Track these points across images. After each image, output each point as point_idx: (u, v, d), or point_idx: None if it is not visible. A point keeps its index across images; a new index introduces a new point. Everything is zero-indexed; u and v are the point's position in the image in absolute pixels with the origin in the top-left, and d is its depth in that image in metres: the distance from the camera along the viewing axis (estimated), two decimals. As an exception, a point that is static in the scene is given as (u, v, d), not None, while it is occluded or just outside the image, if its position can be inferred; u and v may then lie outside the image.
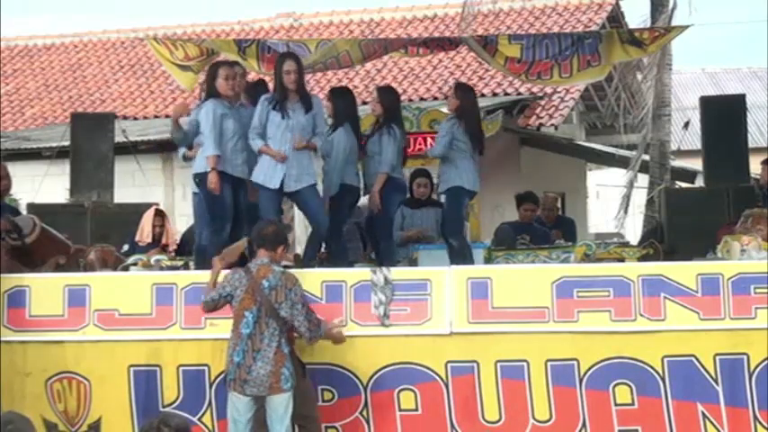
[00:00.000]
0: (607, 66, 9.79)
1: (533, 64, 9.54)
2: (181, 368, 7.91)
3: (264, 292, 7.20)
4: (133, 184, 15.15)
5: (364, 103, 16.75)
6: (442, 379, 7.69)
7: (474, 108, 9.26)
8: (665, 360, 7.53)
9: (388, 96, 9.19)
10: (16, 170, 9.05)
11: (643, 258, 9.02)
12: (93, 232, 11.81)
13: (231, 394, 7.27)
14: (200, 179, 8.36)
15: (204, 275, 7.84)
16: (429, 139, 10.75)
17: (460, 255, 8.71)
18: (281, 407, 7.23)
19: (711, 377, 7.49)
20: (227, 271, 7.53)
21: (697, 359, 7.50)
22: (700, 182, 15.49)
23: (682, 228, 11.06)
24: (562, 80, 9.74)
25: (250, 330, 7.20)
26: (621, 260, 8.99)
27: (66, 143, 13.33)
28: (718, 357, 7.50)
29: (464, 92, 9.34)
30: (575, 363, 7.60)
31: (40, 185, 13.63)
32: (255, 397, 7.23)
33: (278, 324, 7.20)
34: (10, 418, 5.02)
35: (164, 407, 7.83)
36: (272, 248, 7.38)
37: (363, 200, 9.43)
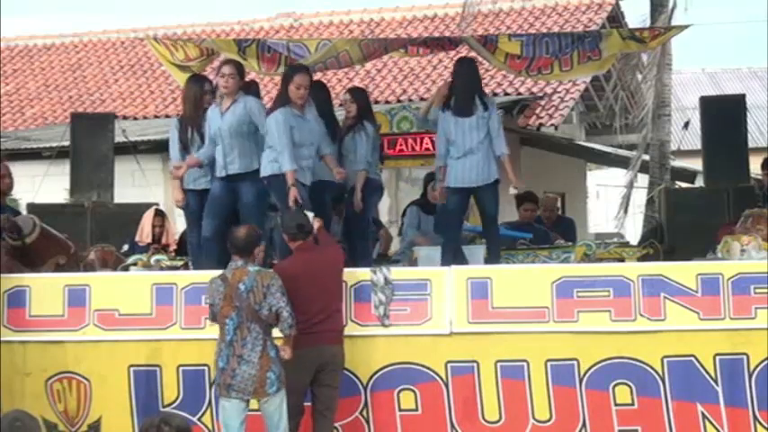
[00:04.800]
0: (608, 59, 9.77)
1: (533, 60, 9.53)
2: (181, 368, 7.91)
3: (243, 296, 7.15)
4: (133, 184, 15.14)
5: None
6: (441, 379, 7.69)
7: None
8: (665, 360, 7.53)
9: (360, 96, 9.22)
10: (16, 170, 9.04)
11: (643, 258, 9.03)
12: (93, 232, 11.81)
13: (220, 399, 7.24)
14: (268, 182, 8.29)
15: (203, 275, 7.86)
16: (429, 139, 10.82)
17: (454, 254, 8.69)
18: (275, 413, 7.22)
19: (711, 377, 7.49)
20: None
21: (697, 359, 7.50)
22: (700, 182, 15.48)
23: (682, 228, 11.04)
24: (562, 74, 9.72)
25: (231, 337, 7.16)
26: (621, 260, 9.00)
27: (66, 143, 13.31)
28: (717, 357, 7.50)
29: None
30: (575, 363, 7.60)
31: (39, 185, 13.61)
32: (244, 401, 7.18)
33: (261, 327, 7.16)
34: (17, 416, 5.04)
35: (164, 407, 7.83)
36: (246, 254, 7.33)
37: None
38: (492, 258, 8.74)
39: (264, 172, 8.30)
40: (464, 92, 8.75)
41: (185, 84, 9.09)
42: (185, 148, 8.68)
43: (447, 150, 8.69)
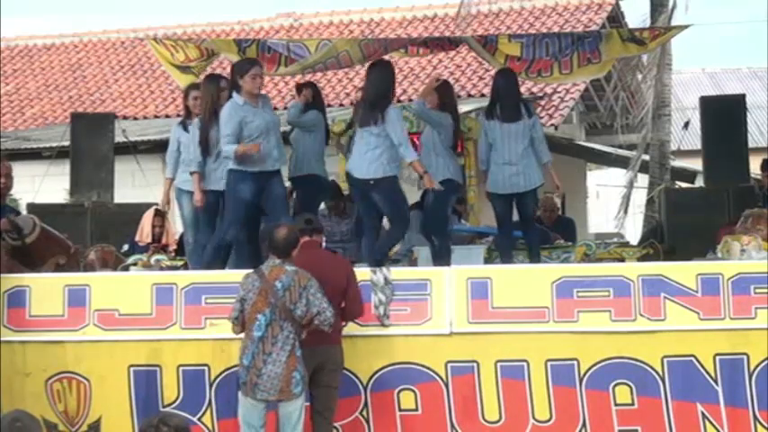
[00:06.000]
0: (608, 62, 9.81)
1: (533, 62, 9.56)
2: (181, 368, 7.90)
3: (278, 293, 7.10)
4: (133, 184, 15.14)
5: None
6: (441, 379, 7.69)
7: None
8: (665, 360, 7.53)
9: None
10: (16, 170, 9.02)
11: (643, 258, 9.03)
12: (93, 232, 11.83)
13: (244, 399, 7.17)
14: (375, 182, 8.30)
15: (203, 275, 7.87)
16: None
17: (439, 255, 8.64)
18: (294, 414, 7.15)
19: (711, 377, 7.49)
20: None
21: (697, 359, 7.50)
22: (700, 182, 15.50)
23: (682, 228, 11.06)
24: (562, 76, 9.75)
25: (261, 333, 7.09)
26: (621, 260, 9.01)
27: (67, 143, 13.34)
28: (717, 357, 7.50)
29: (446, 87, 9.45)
30: (575, 363, 7.60)
31: (40, 185, 13.62)
32: (268, 402, 7.14)
33: (293, 326, 7.10)
34: (18, 416, 5.03)
35: (164, 407, 7.82)
36: (284, 254, 7.27)
37: None
38: (534, 257, 9.00)
39: (384, 173, 8.28)
40: (509, 99, 8.98)
41: (202, 84, 9.05)
42: (206, 150, 8.59)
43: (488, 156, 8.95)
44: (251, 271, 7.33)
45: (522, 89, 17.26)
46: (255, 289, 7.16)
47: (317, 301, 7.11)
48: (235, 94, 8.38)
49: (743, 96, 12.46)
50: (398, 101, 17.38)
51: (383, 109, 8.25)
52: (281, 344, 7.08)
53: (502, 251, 9.09)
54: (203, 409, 7.85)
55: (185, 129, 8.93)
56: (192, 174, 8.66)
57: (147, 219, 10.41)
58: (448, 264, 8.27)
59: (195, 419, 7.75)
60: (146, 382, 7.91)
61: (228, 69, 9.07)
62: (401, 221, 8.40)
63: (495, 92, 9.15)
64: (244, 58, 8.95)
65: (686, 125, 15.37)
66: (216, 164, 8.58)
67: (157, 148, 16.00)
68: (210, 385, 7.83)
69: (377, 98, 8.34)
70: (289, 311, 7.08)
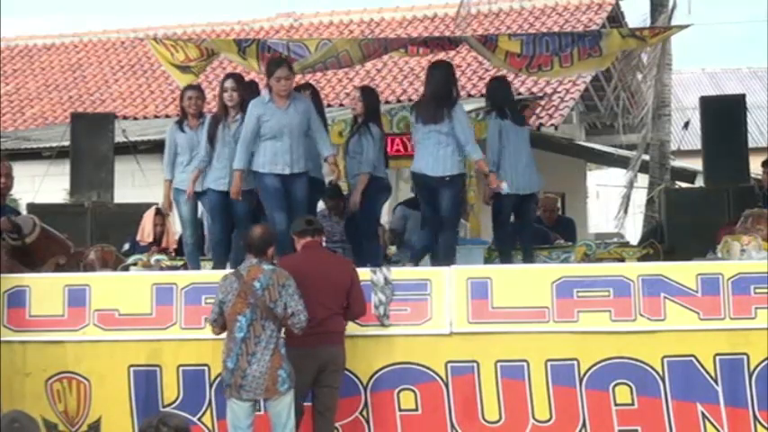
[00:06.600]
0: (608, 57, 9.81)
1: (534, 58, 9.55)
2: (181, 368, 7.91)
3: (258, 293, 7.13)
4: (133, 184, 15.12)
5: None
6: (441, 379, 7.69)
7: None
8: (665, 360, 7.53)
9: (369, 96, 9.24)
10: (16, 170, 9.05)
11: (643, 258, 9.04)
12: (93, 232, 11.81)
13: (229, 401, 7.20)
14: (451, 179, 8.43)
15: (203, 275, 7.85)
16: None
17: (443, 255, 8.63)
18: (283, 412, 7.16)
19: (711, 377, 7.50)
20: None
21: (697, 359, 7.51)
22: (700, 182, 15.49)
23: (682, 228, 11.05)
24: (563, 70, 9.74)
25: (244, 334, 7.12)
26: (621, 260, 9.01)
27: (67, 143, 13.32)
28: (717, 357, 7.50)
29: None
30: (575, 363, 7.60)
31: (40, 185, 13.61)
32: (254, 401, 7.16)
33: (275, 325, 7.14)
34: (15, 417, 5.02)
35: (164, 407, 7.83)
36: (260, 253, 7.31)
37: None
38: (528, 257, 9.09)
39: (458, 170, 8.45)
40: (512, 104, 9.23)
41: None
42: (212, 146, 8.69)
43: (500, 158, 8.95)
44: (229, 272, 7.36)
45: (523, 88, 17.48)
46: (234, 290, 7.19)
47: (293, 302, 7.14)
48: (265, 92, 8.54)
49: (743, 96, 12.45)
50: (398, 101, 17.49)
51: (450, 107, 8.37)
52: (265, 343, 7.11)
53: (503, 251, 9.09)
54: (203, 409, 7.86)
55: (182, 130, 9.01)
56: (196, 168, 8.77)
57: (149, 218, 10.41)
58: (452, 262, 8.28)
59: (195, 419, 7.76)
60: (146, 382, 7.92)
61: (229, 69, 9.10)
62: (455, 221, 8.59)
63: (493, 97, 9.24)
64: (273, 60, 8.96)
65: (686, 125, 15.35)
66: (218, 163, 8.65)
67: (157, 148, 15.92)
68: (210, 385, 7.83)
69: (441, 97, 8.45)
70: (269, 310, 7.11)
